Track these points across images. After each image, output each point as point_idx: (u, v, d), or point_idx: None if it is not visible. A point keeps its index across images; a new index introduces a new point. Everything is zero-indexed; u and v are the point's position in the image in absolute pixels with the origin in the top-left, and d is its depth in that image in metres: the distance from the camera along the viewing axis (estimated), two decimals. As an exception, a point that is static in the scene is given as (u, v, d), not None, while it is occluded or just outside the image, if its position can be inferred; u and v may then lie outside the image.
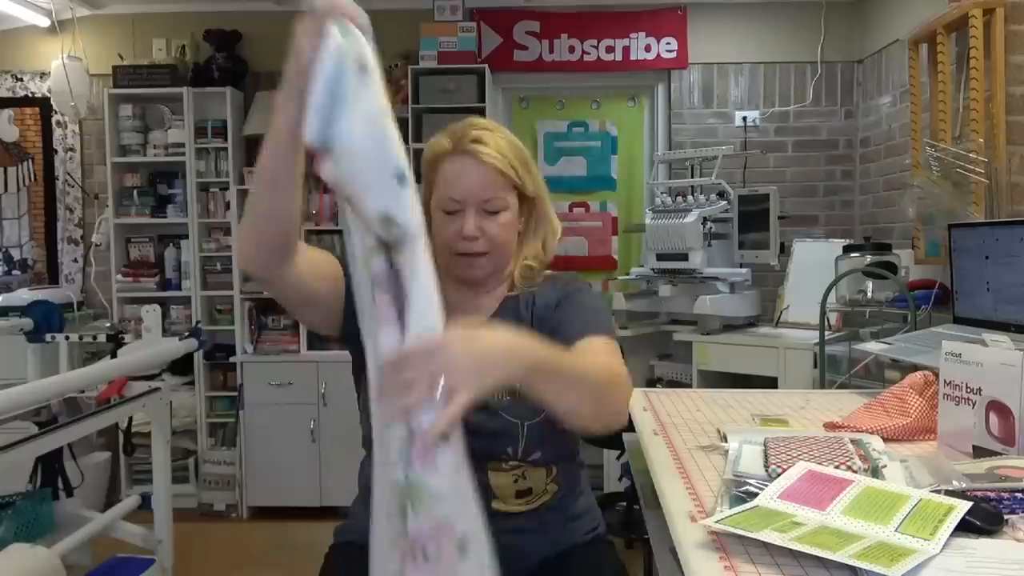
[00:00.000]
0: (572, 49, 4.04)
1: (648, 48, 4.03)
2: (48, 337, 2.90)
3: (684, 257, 3.28)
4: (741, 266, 3.41)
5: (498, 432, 1.27)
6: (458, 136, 1.30)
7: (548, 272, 1.44)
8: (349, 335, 1.18)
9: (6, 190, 4.14)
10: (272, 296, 1.21)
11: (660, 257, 3.38)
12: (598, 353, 1.23)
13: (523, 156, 1.34)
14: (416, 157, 1.47)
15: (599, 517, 1.46)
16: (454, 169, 1.29)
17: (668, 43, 4.01)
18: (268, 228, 1.08)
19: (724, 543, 0.86)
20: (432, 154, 1.34)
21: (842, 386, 2.50)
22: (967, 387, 1.19)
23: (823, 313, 2.63)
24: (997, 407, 1.14)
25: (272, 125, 1.05)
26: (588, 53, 4.04)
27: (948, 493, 0.92)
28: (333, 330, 1.28)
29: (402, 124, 2.66)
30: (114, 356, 2.83)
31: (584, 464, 1.47)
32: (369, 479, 1.05)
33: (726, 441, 1.24)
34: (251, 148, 4.02)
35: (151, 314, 2.94)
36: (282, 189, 1.05)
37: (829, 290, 2.63)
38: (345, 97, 0.91)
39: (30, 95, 4.13)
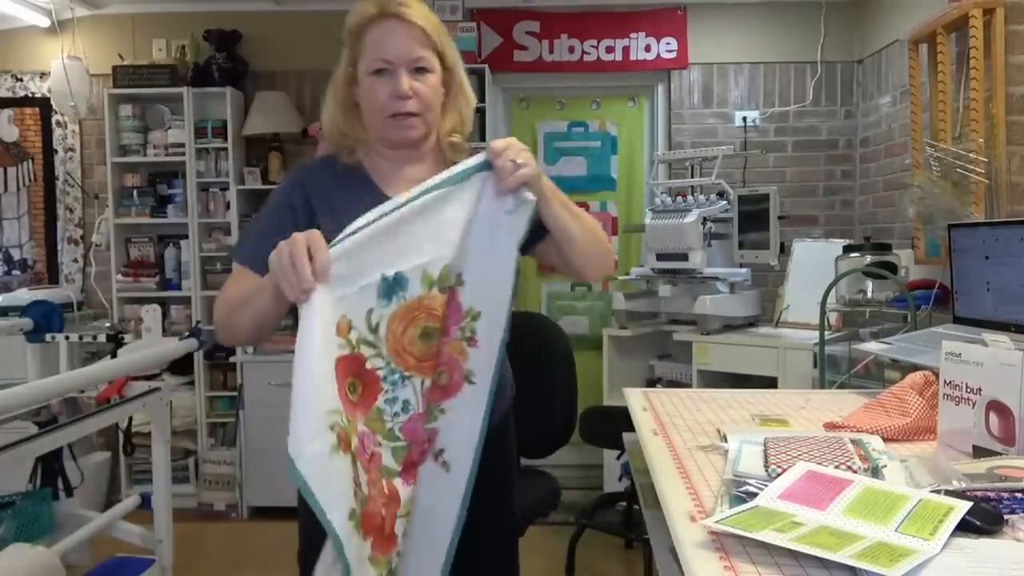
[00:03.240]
0: (572, 49, 4.04)
1: (648, 48, 4.03)
2: (48, 337, 2.90)
3: (684, 257, 3.28)
4: (741, 266, 3.41)
5: None
6: (383, 2, 1.35)
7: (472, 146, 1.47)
8: None
9: (6, 190, 4.14)
10: None
11: (660, 257, 3.38)
12: None
13: (443, 27, 1.40)
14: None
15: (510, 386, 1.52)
16: (383, 32, 1.34)
17: (668, 43, 4.01)
18: (250, 339, 1.35)
19: (724, 543, 0.86)
20: (357, 21, 1.37)
21: (842, 386, 2.50)
22: (967, 387, 1.19)
23: (823, 313, 2.63)
24: (997, 407, 1.14)
25: (261, 295, 1.24)
26: (588, 53, 4.04)
27: (948, 493, 0.92)
28: None
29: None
30: (114, 356, 2.83)
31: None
32: None
33: (726, 441, 1.24)
34: (251, 148, 4.03)
35: (151, 314, 2.94)
36: (270, 327, 1.30)
37: (829, 290, 2.63)
38: None
39: (30, 95, 4.13)
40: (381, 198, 1.29)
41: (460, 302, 1.24)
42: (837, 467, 1.04)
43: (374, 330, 1.18)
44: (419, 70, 1.35)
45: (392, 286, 1.19)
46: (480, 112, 3.54)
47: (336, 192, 1.39)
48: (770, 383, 2.90)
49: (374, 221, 1.18)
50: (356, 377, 1.17)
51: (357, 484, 1.12)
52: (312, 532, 1.17)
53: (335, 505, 1.08)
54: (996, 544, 0.83)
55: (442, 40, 1.38)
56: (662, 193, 3.55)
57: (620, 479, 3.38)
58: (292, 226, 1.23)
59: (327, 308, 1.13)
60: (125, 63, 3.93)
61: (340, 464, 1.10)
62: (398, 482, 1.20)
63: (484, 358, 1.26)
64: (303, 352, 1.10)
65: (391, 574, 1.17)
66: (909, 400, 1.37)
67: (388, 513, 1.17)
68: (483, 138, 3.63)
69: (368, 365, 1.18)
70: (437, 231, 1.21)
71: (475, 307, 1.25)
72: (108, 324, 3.73)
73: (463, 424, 1.26)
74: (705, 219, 3.27)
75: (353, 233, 1.17)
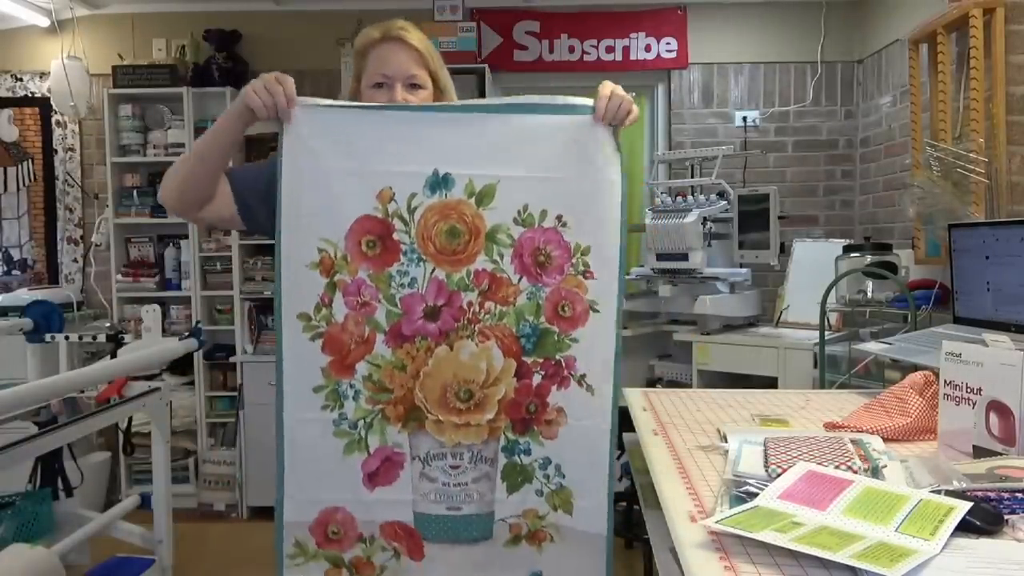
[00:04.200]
0: (572, 49, 4.04)
1: (648, 48, 4.03)
2: (48, 337, 2.90)
3: (684, 257, 3.27)
4: (741, 266, 3.41)
5: None
6: (386, 28, 1.56)
7: None
8: (262, 229, 1.52)
9: (6, 190, 4.14)
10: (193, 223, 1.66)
11: (660, 257, 3.38)
12: None
13: (437, 53, 1.60)
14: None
15: None
16: (384, 52, 1.53)
17: (668, 43, 4.01)
18: (192, 189, 1.46)
19: (724, 543, 0.86)
20: (363, 43, 1.57)
21: (842, 386, 2.50)
22: (967, 387, 1.19)
23: (823, 313, 2.63)
24: (997, 407, 1.14)
25: (217, 130, 1.44)
26: (588, 53, 4.04)
27: (948, 493, 0.92)
28: (242, 227, 1.58)
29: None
30: (114, 356, 2.83)
31: None
32: None
33: (726, 441, 1.24)
34: (250, 148, 4.02)
35: (151, 314, 2.94)
36: (213, 168, 1.45)
37: (829, 290, 2.63)
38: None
39: (30, 95, 4.13)
40: None
41: (567, 241, 1.44)
42: (837, 467, 1.04)
43: (411, 212, 1.42)
44: (413, 86, 1.53)
45: (440, 182, 1.41)
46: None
47: None
48: (770, 383, 2.90)
49: (441, 109, 1.46)
50: (379, 239, 1.42)
51: (325, 304, 1.42)
52: None
53: (290, 298, 1.41)
54: (996, 544, 0.83)
55: (435, 63, 1.57)
56: (662, 193, 3.55)
57: (620, 479, 3.37)
58: (252, 193, 1.50)
59: (365, 177, 1.40)
60: (125, 63, 3.93)
61: (310, 277, 1.41)
62: (380, 338, 1.43)
63: (604, 287, 1.45)
64: (294, 183, 1.39)
65: (337, 398, 1.43)
66: (909, 400, 1.37)
67: (355, 351, 1.43)
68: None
69: (395, 236, 1.42)
70: (500, 153, 1.42)
71: (582, 242, 1.44)
72: (108, 324, 3.74)
73: (597, 350, 1.46)
74: (705, 219, 3.27)
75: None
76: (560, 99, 1.44)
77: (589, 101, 1.43)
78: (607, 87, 1.42)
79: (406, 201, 1.41)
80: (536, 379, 1.46)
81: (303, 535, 1.46)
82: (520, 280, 1.44)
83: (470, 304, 1.43)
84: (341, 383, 1.43)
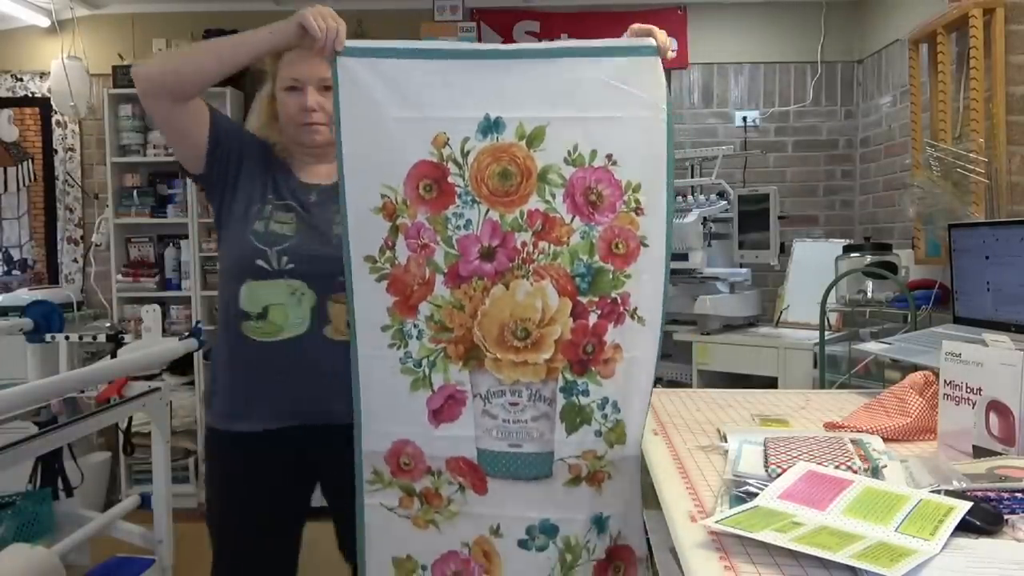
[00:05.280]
0: (572, 49, 4.04)
1: (648, 48, 4.02)
2: (48, 337, 2.90)
3: (684, 257, 3.27)
4: (741, 266, 3.41)
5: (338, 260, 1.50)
6: None
7: None
8: (210, 180, 1.60)
9: (6, 190, 4.14)
10: (154, 119, 1.67)
11: (660, 257, 3.37)
12: None
13: None
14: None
15: None
16: (295, 54, 1.57)
17: (668, 43, 4.01)
18: (181, 78, 1.51)
19: (724, 543, 0.86)
20: None
21: (842, 386, 2.50)
22: (967, 387, 1.19)
23: (823, 313, 2.63)
24: (997, 407, 1.14)
25: (252, 37, 1.50)
26: (588, 53, 4.04)
27: (948, 493, 0.92)
28: (197, 169, 1.60)
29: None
30: (114, 356, 2.82)
31: None
32: (232, 355, 1.61)
33: (726, 441, 1.24)
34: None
35: (151, 314, 2.94)
36: (222, 70, 1.54)
37: (829, 290, 2.63)
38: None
39: (30, 95, 4.13)
40: (296, 184, 1.64)
41: (618, 179, 1.45)
42: (837, 467, 1.04)
43: (464, 155, 1.45)
44: (327, 88, 1.54)
45: (491, 126, 1.45)
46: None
47: (259, 165, 1.65)
48: (770, 383, 2.90)
49: (492, 54, 1.47)
50: (435, 183, 1.46)
51: (389, 247, 1.47)
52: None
53: (357, 241, 1.47)
54: (996, 544, 0.83)
55: None
56: (662, 193, 3.54)
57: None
58: (224, 139, 1.60)
59: (420, 126, 1.44)
60: (125, 63, 3.93)
61: (374, 221, 1.47)
62: (439, 279, 1.48)
63: (654, 222, 1.46)
64: (354, 131, 1.44)
65: (402, 337, 1.49)
66: (909, 400, 1.37)
67: (418, 291, 1.48)
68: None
69: (449, 180, 1.46)
70: (549, 95, 1.44)
71: (633, 180, 1.45)
72: (108, 324, 3.73)
73: (648, 284, 1.47)
74: (705, 219, 3.27)
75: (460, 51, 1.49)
76: (623, 42, 1.46)
77: (650, 41, 1.44)
78: (645, 27, 1.44)
79: (459, 145, 1.45)
80: (592, 318, 1.47)
81: (380, 464, 1.53)
82: (573, 220, 1.46)
83: (524, 244, 1.46)
84: (406, 322, 1.49)
